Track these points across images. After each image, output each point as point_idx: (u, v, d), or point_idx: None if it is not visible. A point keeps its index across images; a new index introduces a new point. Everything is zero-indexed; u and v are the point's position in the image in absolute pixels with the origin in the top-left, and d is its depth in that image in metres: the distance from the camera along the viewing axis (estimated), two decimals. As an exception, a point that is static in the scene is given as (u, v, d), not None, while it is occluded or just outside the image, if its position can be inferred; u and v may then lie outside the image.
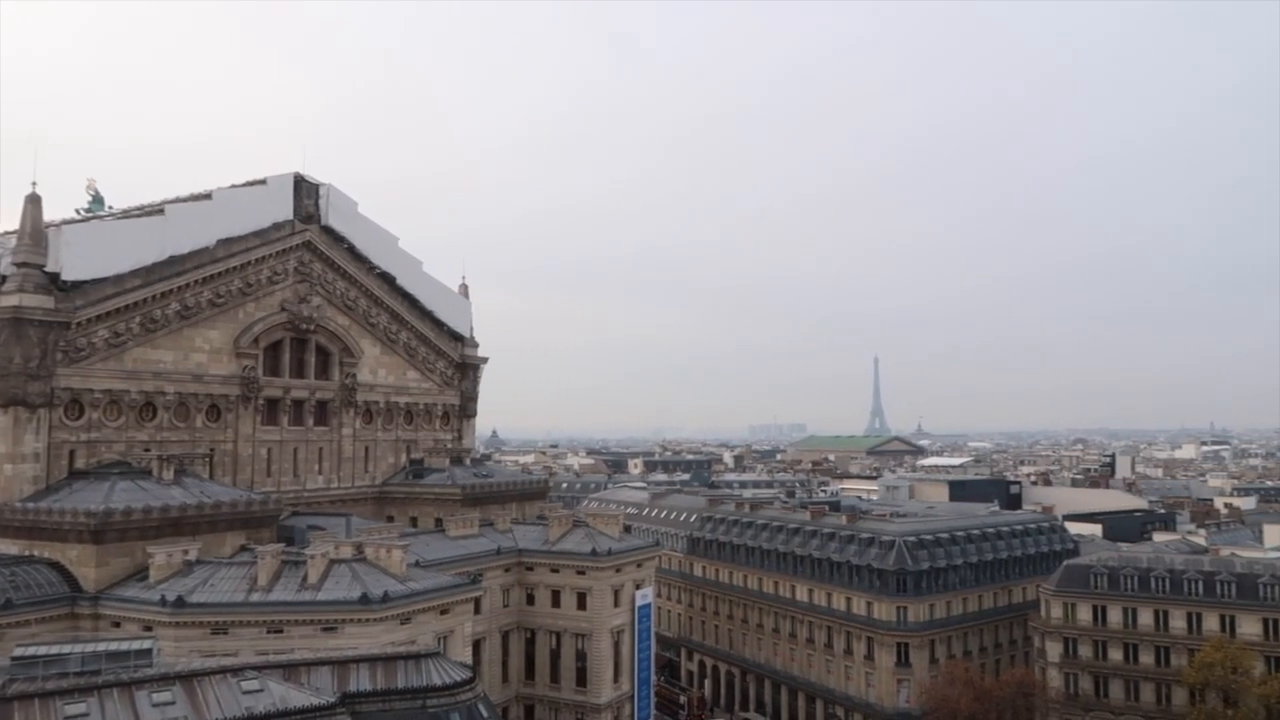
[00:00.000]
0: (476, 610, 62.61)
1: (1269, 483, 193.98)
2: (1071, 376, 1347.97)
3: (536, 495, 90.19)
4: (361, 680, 36.95)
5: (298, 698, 34.44)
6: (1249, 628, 72.14)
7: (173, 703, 32.78)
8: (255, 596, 50.15)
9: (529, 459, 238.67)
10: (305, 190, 78.71)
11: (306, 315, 77.40)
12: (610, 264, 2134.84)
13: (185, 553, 54.08)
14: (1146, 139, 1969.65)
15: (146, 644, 37.01)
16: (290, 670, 36.74)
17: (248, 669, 35.84)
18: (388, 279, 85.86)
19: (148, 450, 63.98)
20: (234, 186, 75.35)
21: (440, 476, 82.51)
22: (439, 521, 76.46)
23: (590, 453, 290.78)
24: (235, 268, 72.39)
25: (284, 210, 76.97)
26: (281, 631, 48.85)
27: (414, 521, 79.85)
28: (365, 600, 49.53)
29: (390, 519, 79.33)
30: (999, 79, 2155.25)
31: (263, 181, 76.15)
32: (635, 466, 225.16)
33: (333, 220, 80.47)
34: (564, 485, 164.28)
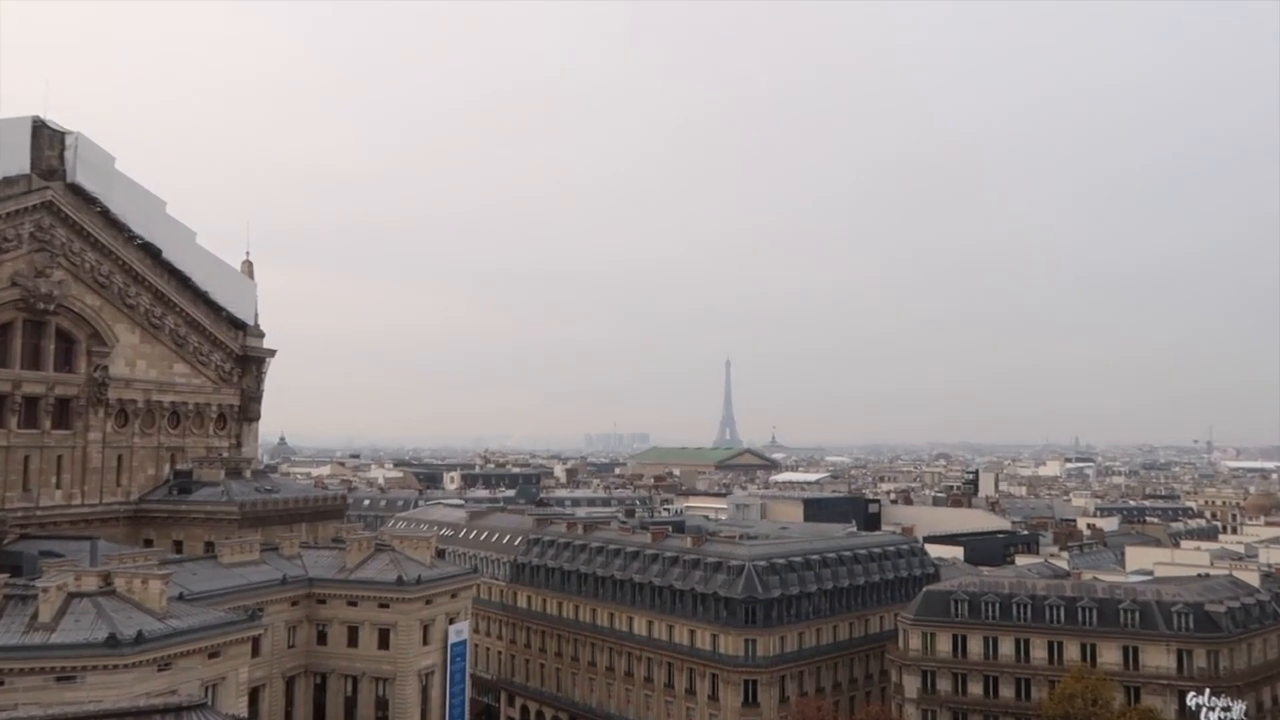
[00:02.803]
0: (255, 652, 60.23)
1: (1131, 502, 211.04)
2: (935, 387, 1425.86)
3: (332, 514, 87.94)
4: (105, 741, 34.72)
5: (21, 765, 31.98)
6: (1109, 656, 78.13)
7: None
8: (-32, 640, 46.36)
9: (324, 471, 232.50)
10: (47, 139, 73.68)
11: (45, 292, 72.46)
12: (422, 242, 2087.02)
13: (-127, 586, 49.46)
14: (1008, 124, 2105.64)
15: None
16: (12, 731, 34.10)
17: (-45, 731, 33.02)
18: (151, 251, 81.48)
19: None
20: (-50, 129, 69.64)
21: (213, 492, 79.05)
22: (211, 546, 73.10)
23: (398, 464, 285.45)
24: (-49, 230, 66.88)
25: (18, 162, 71.74)
26: (2, 684, 45.38)
27: (179, 546, 76.20)
28: (113, 642, 46.66)
29: (149, 543, 75.39)
30: (831, 65, 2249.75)
31: (-11, 124, 70.76)
32: (451, 481, 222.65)
33: (82, 177, 75.58)
34: (366, 503, 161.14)
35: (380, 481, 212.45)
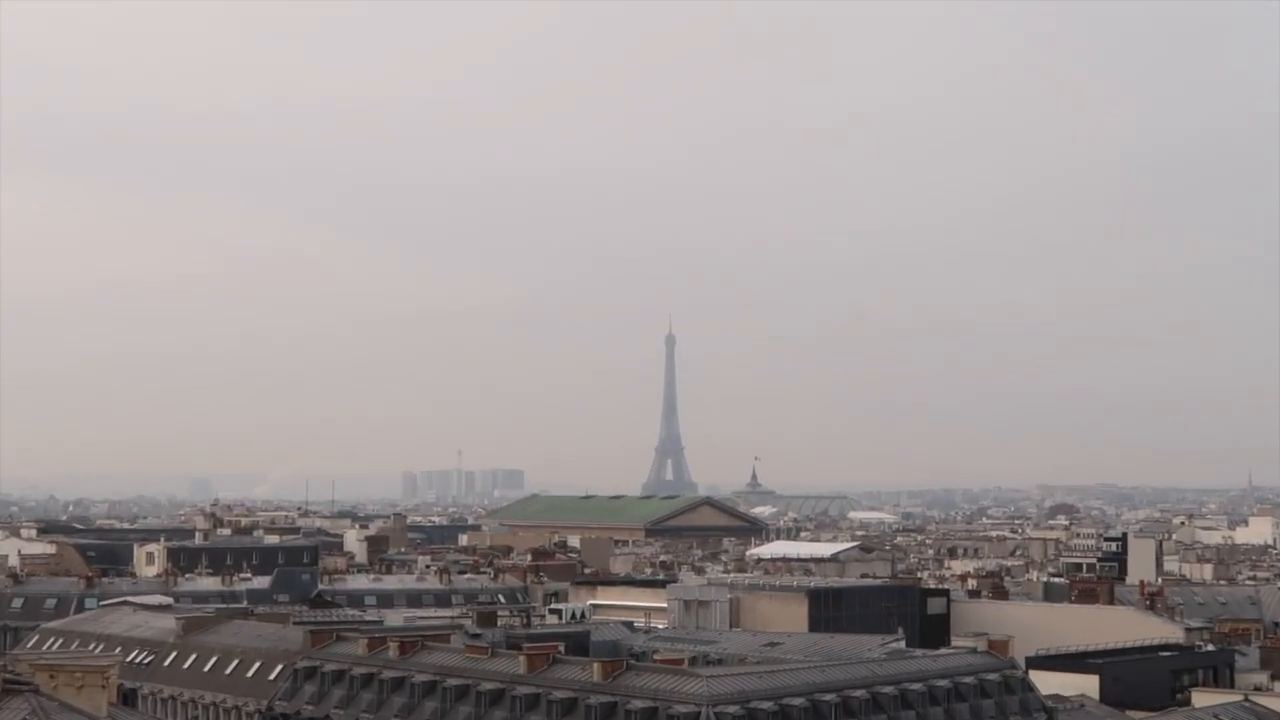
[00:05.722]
0: None
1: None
2: (1043, 386, 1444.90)
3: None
4: None
5: None
6: None
7: None
8: None
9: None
10: None
11: None
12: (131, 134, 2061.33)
13: None
14: None
15: None
16: None
17: None
18: None
19: None
20: None
21: None
22: None
23: (46, 530, 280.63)
24: None
25: None
26: None
27: None
28: None
29: None
30: None
31: None
32: (149, 561, 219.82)
33: None
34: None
35: (13, 562, 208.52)
